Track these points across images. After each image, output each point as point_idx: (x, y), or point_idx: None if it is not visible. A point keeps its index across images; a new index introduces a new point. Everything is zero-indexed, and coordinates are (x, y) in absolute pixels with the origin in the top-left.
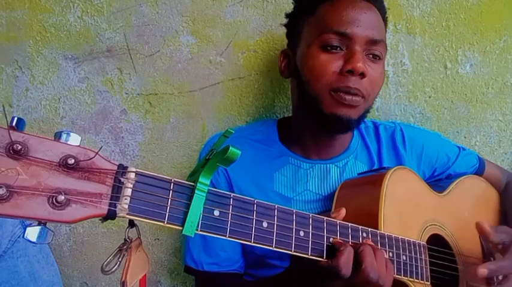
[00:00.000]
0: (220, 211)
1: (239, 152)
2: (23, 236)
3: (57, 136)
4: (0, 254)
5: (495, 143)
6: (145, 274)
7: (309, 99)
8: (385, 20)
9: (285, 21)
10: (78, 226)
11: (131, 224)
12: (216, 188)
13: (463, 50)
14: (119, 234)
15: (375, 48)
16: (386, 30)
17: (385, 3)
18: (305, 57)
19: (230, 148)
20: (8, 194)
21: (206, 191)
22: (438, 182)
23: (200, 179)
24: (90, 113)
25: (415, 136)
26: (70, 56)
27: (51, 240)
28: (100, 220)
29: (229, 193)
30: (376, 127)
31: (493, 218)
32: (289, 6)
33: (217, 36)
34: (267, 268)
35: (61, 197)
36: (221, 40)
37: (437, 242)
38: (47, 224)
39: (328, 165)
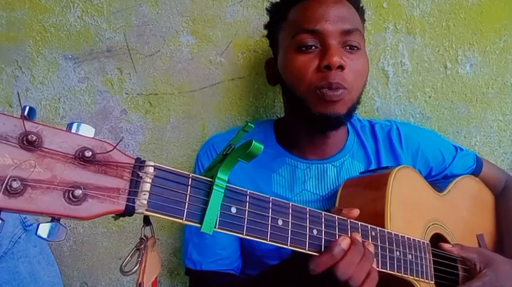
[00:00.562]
0: (237, 208)
1: (262, 147)
2: (36, 233)
3: (71, 127)
4: (1, 255)
5: (495, 143)
6: (157, 276)
7: (297, 102)
8: (359, 9)
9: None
10: (78, 226)
11: (147, 222)
12: None
13: (463, 50)
14: (119, 234)
15: (349, 39)
16: (364, 21)
17: (385, 3)
18: (284, 63)
19: (253, 143)
20: (22, 187)
21: (224, 187)
22: (436, 182)
23: (218, 175)
24: (90, 113)
25: (411, 134)
26: (70, 56)
27: (65, 236)
28: (113, 217)
29: (245, 190)
30: (372, 126)
31: (490, 221)
32: None
33: (217, 36)
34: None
35: (78, 192)
36: (221, 40)
37: (439, 241)
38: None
39: (325, 165)
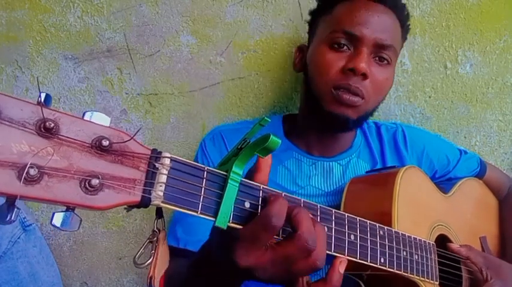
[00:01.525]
0: (250, 203)
1: (280, 142)
2: (51, 222)
3: (83, 116)
4: (0, 255)
5: (495, 143)
6: (165, 270)
7: (312, 95)
8: (404, 26)
9: (284, 22)
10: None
11: (159, 214)
12: None
13: (463, 50)
14: (119, 234)
15: (383, 52)
16: (404, 40)
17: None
18: (314, 54)
19: (271, 137)
20: (39, 175)
21: (239, 181)
22: (439, 184)
23: (233, 169)
24: None
25: (417, 137)
26: (70, 56)
27: (78, 227)
28: (126, 209)
29: (258, 185)
30: (377, 127)
31: (494, 224)
32: (289, 6)
33: (217, 36)
34: None
35: (95, 181)
36: (221, 40)
37: (442, 243)
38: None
39: (331, 162)
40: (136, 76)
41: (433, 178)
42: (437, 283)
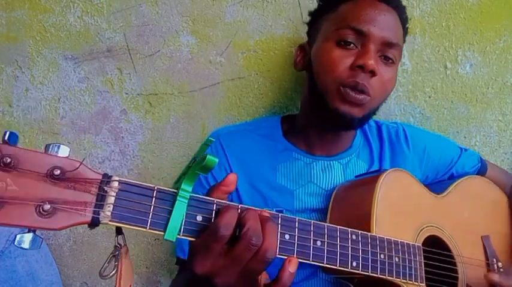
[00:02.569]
0: (203, 216)
1: (216, 160)
2: (13, 243)
3: (47, 148)
4: None
5: (495, 143)
6: (131, 284)
7: (318, 92)
8: (404, 28)
9: (285, 22)
10: (78, 226)
11: (119, 231)
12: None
13: (463, 50)
14: None
15: (389, 51)
16: (405, 40)
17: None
18: (320, 51)
19: (207, 157)
20: (0, 204)
21: (188, 197)
22: (440, 182)
23: (182, 187)
24: (90, 113)
25: (418, 136)
26: (70, 56)
27: (41, 245)
28: (88, 227)
29: (212, 199)
30: (378, 127)
31: (501, 222)
32: (289, 7)
33: (217, 36)
34: None
35: (47, 206)
36: (221, 40)
37: (436, 244)
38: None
39: (331, 161)
40: (137, 76)
41: (435, 176)
42: (423, 284)
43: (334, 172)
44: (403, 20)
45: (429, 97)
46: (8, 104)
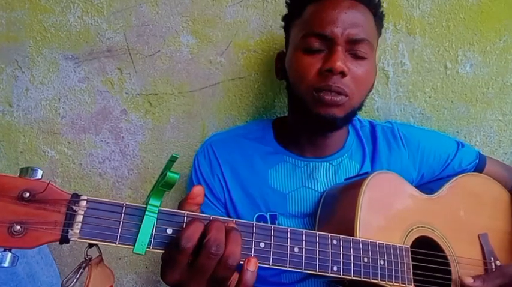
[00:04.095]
0: (173, 229)
1: (177, 177)
2: None
3: (23, 172)
4: None
5: (495, 143)
6: (111, 285)
7: (297, 100)
8: (377, 15)
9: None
10: None
11: (90, 244)
12: (213, 192)
13: (463, 50)
14: None
15: (356, 48)
16: (380, 27)
17: (385, 3)
18: (291, 61)
19: (168, 174)
20: None
21: (157, 211)
22: (436, 181)
23: (150, 202)
24: (90, 113)
25: (412, 134)
26: (70, 56)
27: (16, 262)
28: (60, 243)
29: (183, 212)
30: (372, 127)
31: (502, 219)
32: None
33: (217, 36)
34: None
35: (17, 227)
36: (221, 40)
37: (430, 246)
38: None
39: (323, 163)
40: (137, 76)
41: (432, 173)
42: (411, 286)
43: (325, 173)
44: (373, 7)
45: (429, 97)
46: (8, 104)
